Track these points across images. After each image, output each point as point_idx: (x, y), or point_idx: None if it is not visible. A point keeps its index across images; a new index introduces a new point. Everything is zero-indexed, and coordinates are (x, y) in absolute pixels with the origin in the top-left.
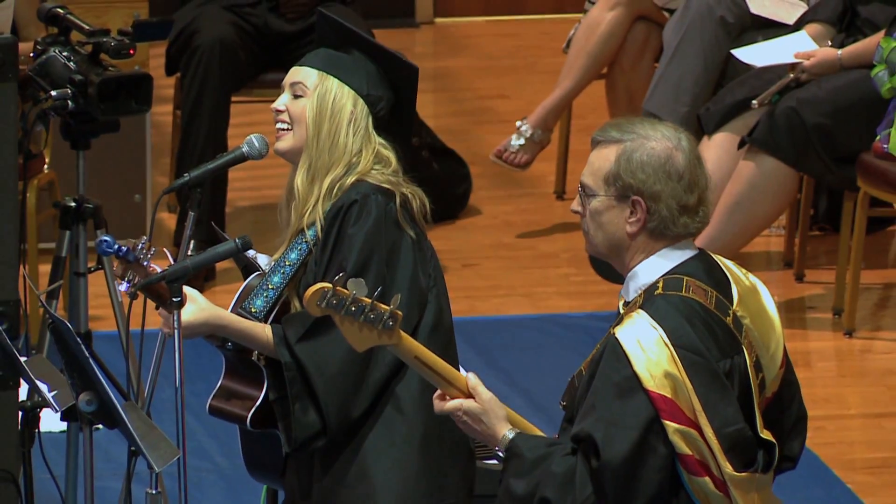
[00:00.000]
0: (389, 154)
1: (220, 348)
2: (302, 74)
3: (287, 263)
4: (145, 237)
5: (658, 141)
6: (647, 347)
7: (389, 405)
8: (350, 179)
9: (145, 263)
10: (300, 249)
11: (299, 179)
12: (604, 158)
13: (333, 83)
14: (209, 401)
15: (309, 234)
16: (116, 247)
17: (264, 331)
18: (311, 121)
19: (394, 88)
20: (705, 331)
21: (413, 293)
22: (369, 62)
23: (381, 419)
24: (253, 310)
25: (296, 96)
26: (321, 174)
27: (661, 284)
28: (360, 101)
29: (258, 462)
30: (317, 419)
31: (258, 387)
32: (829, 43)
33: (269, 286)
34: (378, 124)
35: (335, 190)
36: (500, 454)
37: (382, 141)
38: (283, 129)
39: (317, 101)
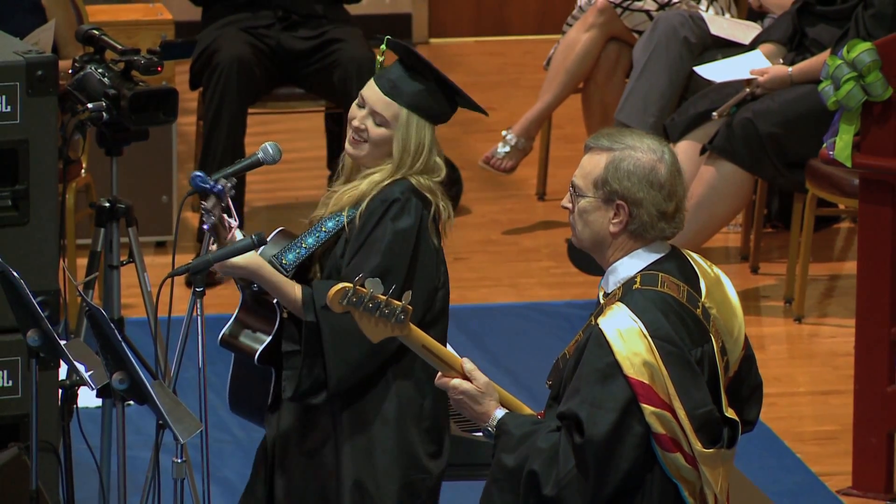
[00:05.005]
0: (440, 163)
1: (243, 289)
2: (382, 105)
3: (323, 229)
4: (235, 180)
5: (644, 153)
6: (628, 338)
7: (401, 378)
8: (397, 175)
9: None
10: (337, 221)
11: (377, 176)
12: (594, 164)
13: (413, 121)
14: (221, 333)
15: (347, 212)
16: (211, 183)
17: (294, 289)
18: (396, 154)
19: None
20: (679, 323)
21: (423, 292)
22: (438, 92)
23: (392, 389)
24: (284, 262)
25: (377, 124)
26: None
27: (638, 279)
28: (432, 127)
29: (244, 399)
30: (321, 376)
31: (269, 325)
32: (781, 61)
33: (303, 245)
34: None
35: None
36: (490, 430)
37: (439, 150)
38: (358, 140)
39: (401, 139)
